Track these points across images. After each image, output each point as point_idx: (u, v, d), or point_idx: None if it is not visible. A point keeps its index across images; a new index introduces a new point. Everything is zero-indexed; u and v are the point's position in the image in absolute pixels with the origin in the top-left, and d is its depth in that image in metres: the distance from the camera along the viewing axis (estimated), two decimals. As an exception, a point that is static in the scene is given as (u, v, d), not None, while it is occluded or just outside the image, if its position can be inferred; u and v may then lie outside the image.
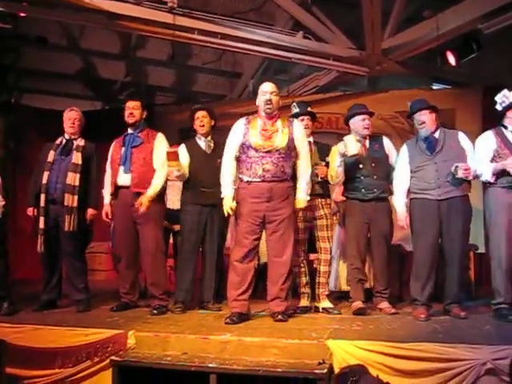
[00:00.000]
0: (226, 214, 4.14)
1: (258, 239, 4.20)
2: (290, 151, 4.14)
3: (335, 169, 4.41)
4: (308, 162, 4.26)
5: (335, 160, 4.40)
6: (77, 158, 4.61)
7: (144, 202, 4.44)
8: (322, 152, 4.61)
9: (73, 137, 4.72)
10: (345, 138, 4.37)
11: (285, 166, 4.10)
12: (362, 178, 4.49)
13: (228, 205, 4.07)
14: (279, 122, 4.17)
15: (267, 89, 4.16)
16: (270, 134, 4.10)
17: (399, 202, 4.35)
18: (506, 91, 4.14)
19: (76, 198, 4.52)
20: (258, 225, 4.12)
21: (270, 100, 4.10)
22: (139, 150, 4.61)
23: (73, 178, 4.54)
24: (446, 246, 4.15)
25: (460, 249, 4.12)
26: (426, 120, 4.22)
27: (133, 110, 4.67)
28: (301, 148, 4.20)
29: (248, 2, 7.48)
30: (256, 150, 4.07)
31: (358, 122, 4.53)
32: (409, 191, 4.32)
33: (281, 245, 4.12)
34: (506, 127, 4.14)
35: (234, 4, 7.41)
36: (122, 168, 4.59)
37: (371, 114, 4.64)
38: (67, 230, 4.48)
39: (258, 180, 4.07)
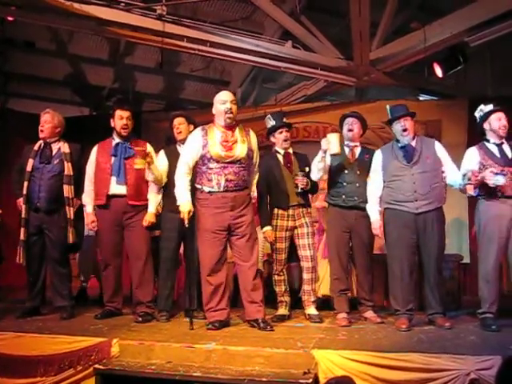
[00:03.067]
0: (185, 222, 4.02)
1: (225, 249, 4.18)
2: (250, 160, 4.18)
3: (316, 164, 4.41)
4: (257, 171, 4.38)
5: (317, 155, 4.40)
6: (68, 169, 4.57)
7: (150, 219, 4.53)
8: (301, 161, 4.64)
9: (50, 140, 4.64)
10: (328, 135, 4.38)
11: (245, 174, 4.14)
12: (345, 184, 4.46)
13: (187, 209, 4.01)
14: (237, 132, 4.15)
15: (226, 98, 4.09)
16: (230, 145, 4.07)
17: (373, 210, 4.29)
18: (482, 106, 4.21)
19: (73, 209, 4.57)
20: (223, 235, 4.12)
21: (231, 109, 4.04)
22: (132, 161, 4.54)
23: (69, 191, 4.55)
24: (424, 259, 4.15)
25: (437, 261, 4.13)
26: (408, 127, 4.20)
27: (127, 120, 4.57)
28: (256, 158, 4.28)
29: (237, 10, 7.49)
30: (217, 162, 4.04)
31: (344, 126, 4.59)
32: (381, 200, 4.29)
33: (248, 249, 4.15)
34: (488, 141, 4.19)
35: (223, 12, 7.42)
36: (114, 178, 4.51)
37: (360, 119, 4.62)
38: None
39: (221, 190, 4.06)
